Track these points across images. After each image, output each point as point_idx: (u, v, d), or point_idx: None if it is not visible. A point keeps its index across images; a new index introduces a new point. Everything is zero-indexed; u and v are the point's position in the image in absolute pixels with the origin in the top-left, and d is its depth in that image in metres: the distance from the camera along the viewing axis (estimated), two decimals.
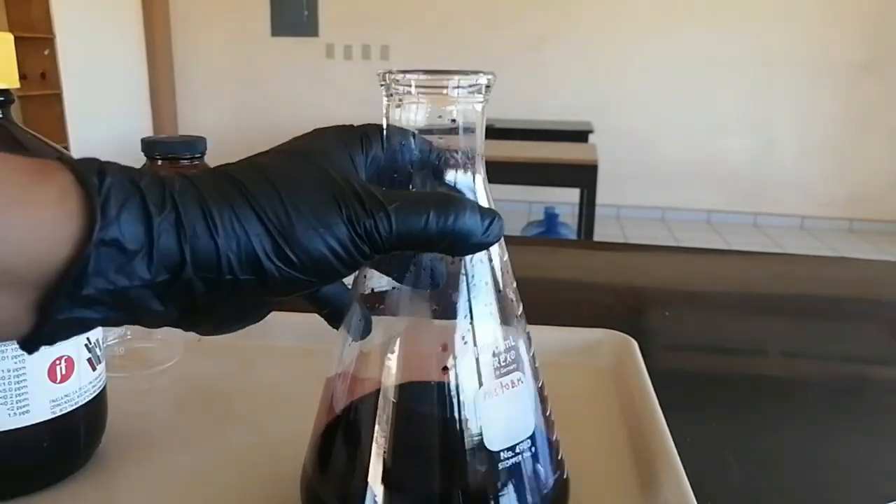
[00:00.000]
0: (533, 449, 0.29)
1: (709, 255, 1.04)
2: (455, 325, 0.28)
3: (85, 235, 0.20)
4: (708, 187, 4.39)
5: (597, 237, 3.03)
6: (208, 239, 0.21)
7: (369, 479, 0.28)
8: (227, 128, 4.76)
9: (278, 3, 4.61)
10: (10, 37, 0.32)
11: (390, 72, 0.28)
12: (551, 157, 2.88)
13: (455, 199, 0.24)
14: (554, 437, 0.31)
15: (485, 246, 0.25)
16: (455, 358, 0.28)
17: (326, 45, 4.61)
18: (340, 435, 0.30)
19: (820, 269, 0.88)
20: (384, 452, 0.28)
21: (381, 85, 0.28)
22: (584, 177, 2.80)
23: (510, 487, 0.28)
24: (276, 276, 0.22)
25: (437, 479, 0.29)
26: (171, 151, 0.60)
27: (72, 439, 0.35)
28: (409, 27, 4.44)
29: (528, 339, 0.30)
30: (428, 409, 0.28)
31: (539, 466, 0.30)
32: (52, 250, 0.20)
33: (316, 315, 0.55)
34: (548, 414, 0.31)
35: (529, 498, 0.29)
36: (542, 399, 0.31)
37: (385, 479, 0.28)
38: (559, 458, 0.31)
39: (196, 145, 0.60)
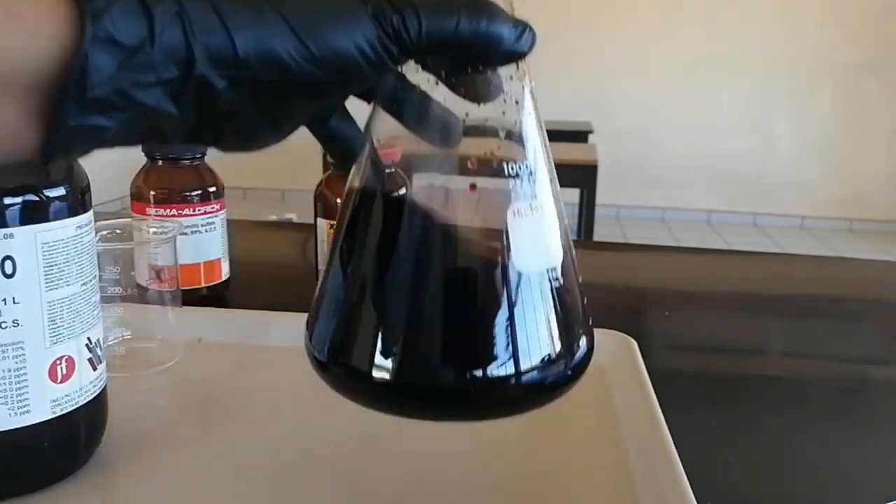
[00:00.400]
0: (563, 280, 0.27)
1: (709, 255, 1.04)
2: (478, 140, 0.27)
3: (76, 32, 0.19)
4: (708, 187, 4.38)
5: (597, 237, 3.03)
6: (223, 33, 0.20)
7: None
8: None
9: None
10: None
11: None
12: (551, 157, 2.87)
13: (487, 3, 0.23)
14: (580, 279, 0.29)
15: (517, 56, 0.24)
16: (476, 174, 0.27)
17: None
18: (347, 261, 0.28)
19: (820, 269, 0.88)
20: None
21: None
22: (583, 177, 2.79)
23: (538, 317, 0.26)
24: (300, 74, 0.21)
25: (455, 306, 0.26)
26: (171, 152, 0.60)
27: (72, 439, 0.35)
28: None
29: (554, 176, 0.29)
30: (445, 225, 0.27)
31: (568, 298, 0.28)
32: (42, 49, 0.19)
33: None
34: (573, 254, 0.29)
35: (556, 334, 0.27)
36: (566, 234, 0.29)
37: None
38: (584, 304, 0.29)
39: (196, 145, 0.61)
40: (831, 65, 4.12)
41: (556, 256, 0.27)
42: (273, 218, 3.59)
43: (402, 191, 0.27)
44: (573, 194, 3.11)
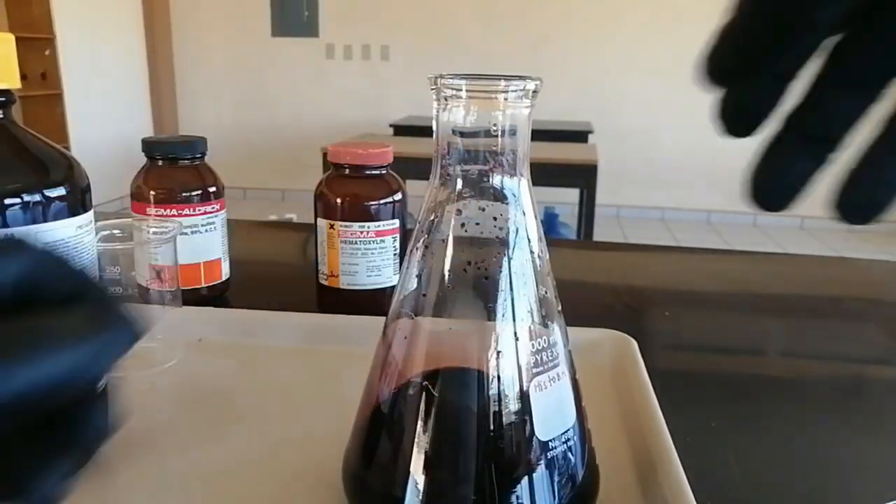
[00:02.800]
0: (575, 438, 0.31)
1: (709, 255, 1.04)
2: (501, 324, 0.29)
3: None
4: (708, 187, 4.38)
5: (597, 237, 3.03)
6: None
7: (412, 469, 0.29)
8: (227, 128, 4.76)
9: (279, 3, 4.61)
10: (12, 37, 0.32)
11: (441, 76, 0.28)
12: (551, 157, 2.88)
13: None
14: (588, 426, 0.33)
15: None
16: (502, 354, 0.29)
17: (326, 46, 4.60)
18: (386, 426, 0.32)
19: (820, 269, 0.88)
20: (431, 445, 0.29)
21: (432, 89, 0.29)
22: (583, 177, 2.79)
23: (556, 475, 0.30)
24: None
25: (486, 471, 0.29)
26: (171, 152, 0.60)
27: None
28: (409, 27, 4.44)
29: (566, 334, 0.32)
30: (476, 400, 0.29)
31: (579, 454, 0.31)
32: None
33: (316, 315, 0.55)
34: (583, 404, 0.32)
35: (570, 484, 0.31)
36: (577, 390, 0.32)
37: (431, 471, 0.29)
38: (591, 445, 0.33)
39: (196, 145, 0.61)
40: None
41: (571, 416, 0.31)
42: (273, 218, 3.59)
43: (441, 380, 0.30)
44: (573, 194, 3.11)
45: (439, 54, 4.38)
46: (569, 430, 0.30)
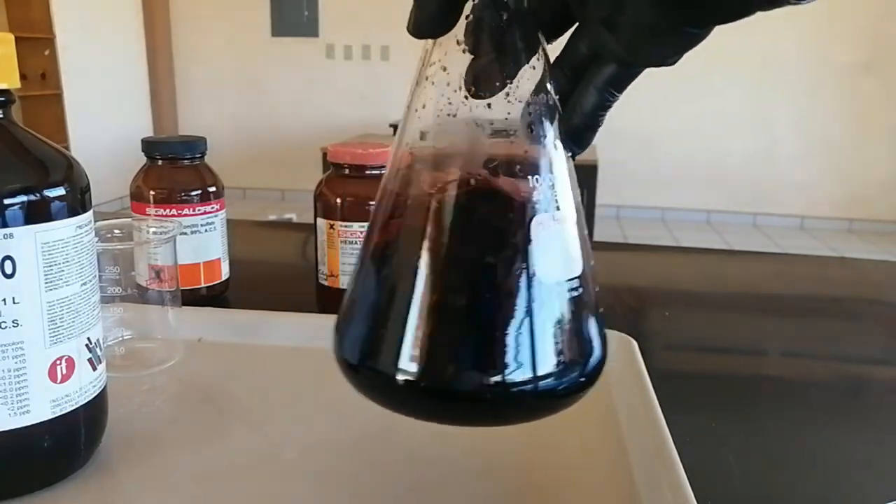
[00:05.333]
0: (583, 289, 0.29)
1: (709, 255, 1.04)
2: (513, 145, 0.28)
3: None
4: (708, 187, 4.39)
5: (597, 237, 3.02)
6: None
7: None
8: (227, 128, 4.76)
9: (278, 3, 4.61)
10: (11, 37, 0.32)
11: None
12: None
13: None
14: (597, 290, 0.31)
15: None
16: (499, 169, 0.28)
17: (326, 46, 4.60)
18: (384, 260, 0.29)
19: (820, 269, 0.88)
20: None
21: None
22: (583, 177, 2.77)
23: (559, 323, 0.28)
24: None
25: (488, 311, 0.27)
26: (171, 151, 0.60)
27: (72, 439, 0.35)
28: None
29: (576, 184, 0.30)
30: (483, 239, 0.28)
31: (591, 308, 0.29)
32: None
33: (315, 315, 0.55)
34: (592, 264, 0.30)
35: (575, 339, 0.28)
36: (586, 244, 0.30)
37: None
38: (600, 311, 0.31)
39: (196, 145, 0.61)
40: (831, 65, 4.12)
41: (575, 267, 0.29)
42: (273, 218, 3.59)
43: (435, 198, 0.28)
44: None
45: None
46: (574, 278, 0.28)
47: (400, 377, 0.27)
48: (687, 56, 0.27)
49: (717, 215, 4.41)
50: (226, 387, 0.46)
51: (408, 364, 0.27)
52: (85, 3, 4.19)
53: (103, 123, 4.33)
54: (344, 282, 0.58)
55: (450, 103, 0.28)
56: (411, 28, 0.27)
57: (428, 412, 0.29)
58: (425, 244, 0.27)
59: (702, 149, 4.33)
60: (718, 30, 0.27)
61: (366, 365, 0.29)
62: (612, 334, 0.51)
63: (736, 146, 4.29)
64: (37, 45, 3.82)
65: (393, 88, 4.45)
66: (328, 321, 0.52)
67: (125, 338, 0.48)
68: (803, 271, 0.86)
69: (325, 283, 0.59)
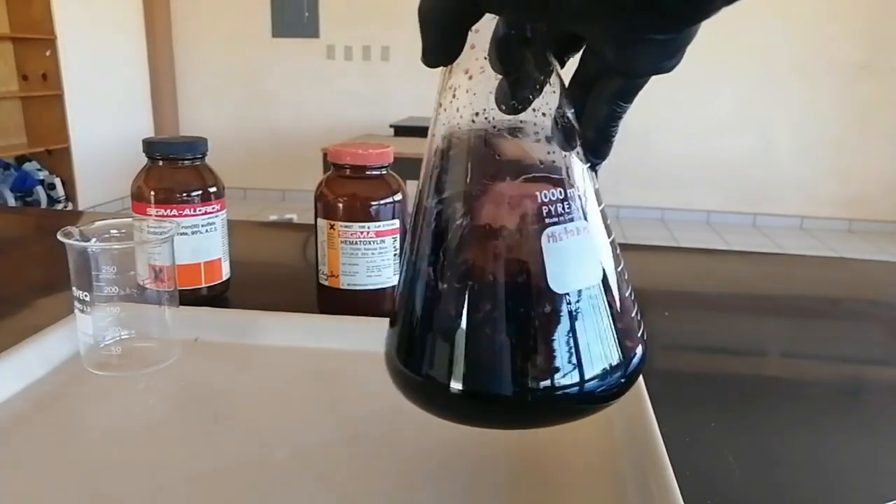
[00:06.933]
0: (618, 293, 0.30)
1: (709, 255, 1.04)
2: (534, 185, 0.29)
3: None
4: (707, 187, 4.39)
5: None
6: None
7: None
8: (227, 128, 4.76)
9: (279, 4, 4.61)
10: None
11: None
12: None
13: None
14: (628, 294, 0.32)
15: None
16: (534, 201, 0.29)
17: (327, 46, 4.61)
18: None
19: (820, 269, 0.88)
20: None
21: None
22: None
23: (572, 332, 0.29)
24: None
25: (507, 326, 0.29)
26: (171, 152, 0.60)
27: None
28: (410, 28, 4.43)
29: (598, 195, 0.33)
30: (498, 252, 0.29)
31: (608, 315, 0.30)
32: None
33: (315, 315, 0.55)
34: (620, 269, 0.31)
35: (598, 344, 0.29)
36: (614, 251, 0.31)
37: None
38: (639, 318, 0.32)
39: (197, 146, 0.61)
40: (830, 65, 4.12)
41: (609, 272, 0.30)
42: (273, 218, 3.59)
43: (478, 213, 0.29)
44: None
45: None
46: (596, 285, 0.29)
47: (454, 386, 0.29)
48: (687, 57, 0.27)
49: (716, 215, 4.41)
50: (222, 386, 0.46)
51: (460, 374, 0.29)
52: (86, 3, 4.19)
53: (104, 124, 4.34)
54: (345, 282, 0.58)
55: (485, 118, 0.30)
56: (421, 58, 0.28)
57: (477, 418, 0.31)
58: (474, 258, 0.29)
59: (702, 149, 4.33)
60: (720, 30, 0.27)
61: (421, 373, 0.30)
62: None
63: (736, 146, 4.29)
64: (38, 46, 3.82)
65: (393, 89, 4.45)
66: (328, 321, 0.52)
67: (123, 337, 0.48)
68: (803, 271, 0.86)
69: (326, 283, 0.59)
